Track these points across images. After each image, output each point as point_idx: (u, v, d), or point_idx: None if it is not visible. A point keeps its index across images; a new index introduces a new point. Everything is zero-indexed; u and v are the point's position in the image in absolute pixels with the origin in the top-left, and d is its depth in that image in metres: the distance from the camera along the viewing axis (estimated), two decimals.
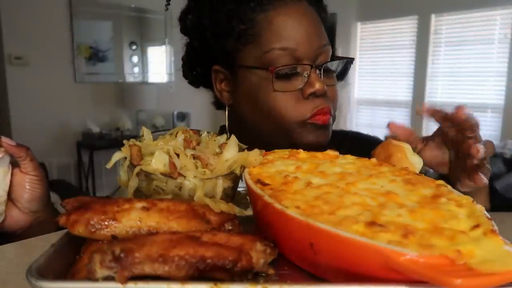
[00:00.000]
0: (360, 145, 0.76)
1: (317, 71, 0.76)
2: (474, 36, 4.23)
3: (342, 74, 0.84)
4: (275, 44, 0.75)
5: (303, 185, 0.46)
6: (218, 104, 0.90)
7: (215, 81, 0.85)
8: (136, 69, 4.80)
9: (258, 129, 0.81)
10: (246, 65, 0.78)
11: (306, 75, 0.76)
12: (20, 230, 0.67)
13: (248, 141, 0.60)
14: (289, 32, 0.75)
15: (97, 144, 4.17)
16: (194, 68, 0.89)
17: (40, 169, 0.69)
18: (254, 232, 0.48)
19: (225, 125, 0.88)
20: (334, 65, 0.83)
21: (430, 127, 4.64)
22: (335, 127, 0.94)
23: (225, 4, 0.78)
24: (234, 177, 0.54)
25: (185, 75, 0.91)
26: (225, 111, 0.86)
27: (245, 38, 0.77)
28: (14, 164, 0.66)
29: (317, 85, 0.75)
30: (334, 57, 0.81)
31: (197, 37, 0.84)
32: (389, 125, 0.71)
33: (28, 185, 0.66)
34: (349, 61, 0.84)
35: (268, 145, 0.64)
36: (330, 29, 0.86)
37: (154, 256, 0.34)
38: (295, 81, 0.76)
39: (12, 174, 0.65)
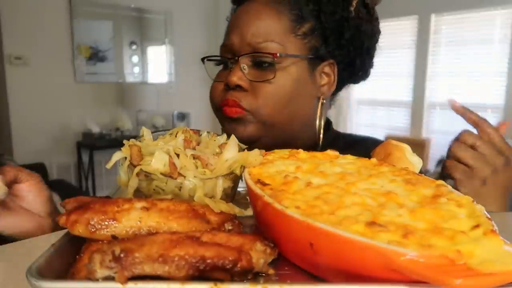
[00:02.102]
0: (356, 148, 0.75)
1: (242, 65, 0.79)
2: (474, 36, 4.23)
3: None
4: (223, 41, 0.85)
5: (303, 185, 0.46)
6: None
7: None
8: (136, 69, 4.81)
9: None
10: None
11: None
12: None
13: None
14: (230, 29, 0.84)
15: (97, 144, 4.17)
16: None
17: (31, 171, 0.69)
18: (254, 232, 0.48)
19: None
20: (285, 62, 0.79)
21: (430, 127, 4.64)
22: (334, 127, 0.93)
23: (234, 4, 0.90)
24: (234, 177, 0.54)
25: None
26: None
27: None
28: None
29: (229, 77, 0.79)
30: (257, 53, 0.79)
31: None
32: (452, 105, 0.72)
33: (34, 189, 0.66)
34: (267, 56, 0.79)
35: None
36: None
37: (154, 256, 0.34)
38: (226, 73, 0.83)
39: (14, 190, 0.65)
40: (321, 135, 0.86)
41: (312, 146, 0.85)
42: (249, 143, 0.64)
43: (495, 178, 0.69)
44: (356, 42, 0.85)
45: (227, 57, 0.83)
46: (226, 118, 0.81)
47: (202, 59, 0.88)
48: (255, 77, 0.79)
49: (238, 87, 0.79)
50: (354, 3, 0.84)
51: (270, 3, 0.81)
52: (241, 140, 0.60)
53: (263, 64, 0.80)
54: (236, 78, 0.78)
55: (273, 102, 0.79)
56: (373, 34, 0.88)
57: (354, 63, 0.87)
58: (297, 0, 0.82)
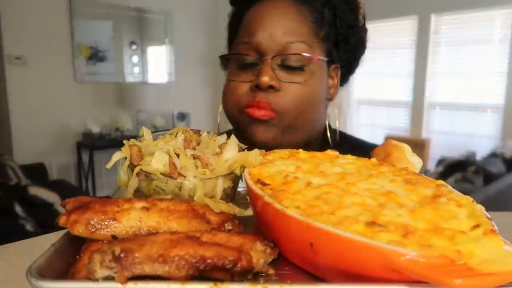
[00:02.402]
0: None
1: (272, 65, 0.77)
2: (474, 36, 4.23)
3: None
4: (243, 38, 0.80)
5: (303, 185, 0.46)
6: None
7: None
8: (136, 69, 4.80)
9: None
10: (220, 55, 0.86)
11: (258, 68, 0.78)
12: None
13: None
14: (254, 27, 0.79)
15: (97, 144, 4.17)
16: None
17: None
18: (254, 232, 0.48)
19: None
20: (312, 64, 0.79)
21: (430, 126, 4.64)
22: (334, 127, 0.93)
23: (237, 3, 0.88)
24: (234, 177, 0.54)
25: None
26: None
27: (235, 32, 0.85)
28: None
29: (261, 77, 0.75)
30: (293, 54, 0.78)
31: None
32: None
33: None
34: (314, 59, 0.79)
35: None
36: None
37: (154, 256, 0.34)
38: (250, 73, 0.79)
39: None
40: (330, 139, 0.88)
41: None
42: (272, 148, 0.63)
43: None
44: (357, 48, 0.89)
45: (253, 55, 0.79)
46: (253, 120, 0.77)
47: (222, 57, 0.84)
48: (284, 78, 0.77)
49: (270, 88, 0.76)
50: (361, 11, 0.87)
51: (293, 3, 0.80)
52: (265, 143, 0.59)
53: (293, 64, 0.78)
54: (268, 78, 0.75)
55: (301, 104, 0.78)
56: (365, 42, 0.93)
57: (351, 67, 0.91)
58: (316, 3, 0.82)
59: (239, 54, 0.80)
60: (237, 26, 0.84)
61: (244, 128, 0.80)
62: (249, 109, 0.77)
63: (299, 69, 0.78)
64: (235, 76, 0.81)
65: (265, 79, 0.75)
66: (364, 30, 0.90)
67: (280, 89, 0.76)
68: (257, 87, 0.76)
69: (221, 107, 0.88)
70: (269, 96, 0.76)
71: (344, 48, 0.86)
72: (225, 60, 0.87)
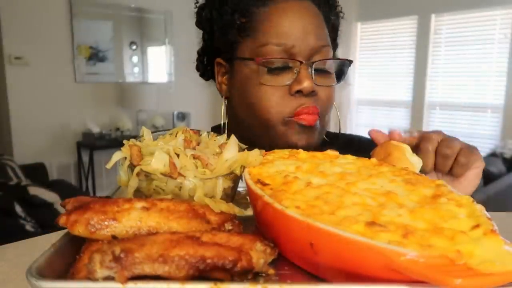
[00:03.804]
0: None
1: (309, 70, 0.75)
2: (474, 36, 4.23)
3: (340, 76, 0.83)
4: (271, 39, 0.76)
5: (303, 185, 0.46)
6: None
7: (217, 74, 0.87)
8: (136, 69, 4.80)
9: (245, 124, 0.82)
10: (242, 57, 0.79)
11: (296, 72, 0.75)
12: None
13: (238, 137, 0.59)
14: (285, 28, 0.75)
15: (97, 144, 4.17)
16: (204, 61, 0.93)
17: None
18: (254, 232, 0.48)
19: (216, 126, 0.90)
20: (333, 67, 0.82)
21: (430, 126, 4.64)
22: (335, 128, 0.94)
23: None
24: (234, 177, 0.54)
25: (197, 68, 0.95)
26: (223, 105, 0.88)
27: (244, 31, 0.79)
28: None
29: (305, 83, 0.74)
30: (332, 59, 0.81)
31: (207, 30, 0.87)
32: (370, 133, 0.70)
33: None
34: (346, 63, 0.82)
35: (251, 143, 0.63)
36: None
37: (154, 256, 0.34)
38: (285, 77, 0.76)
39: None
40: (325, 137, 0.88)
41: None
42: (316, 150, 0.63)
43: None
44: (335, 50, 0.89)
45: (291, 59, 0.75)
46: (301, 128, 0.76)
47: (257, 61, 0.75)
48: (319, 82, 0.77)
49: (312, 93, 0.75)
50: (341, 14, 0.89)
51: (314, 5, 0.80)
52: (307, 149, 0.59)
53: (326, 69, 0.79)
54: (311, 83, 0.74)
55: (331, 108, 0.80)
56: None
57: None
58: (326, 8, 0.83)
59: (277, 58, 0.75)
60: (248, 24, 0.78)
61: (285, 134, 0.77)
62: (300, 117, 0.75)
63: (328, 72, 0.80)
64: (265, 80, 0.76)
65: (310, 84, 0.74)
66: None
67: (317, 94, 0.77)
68: (298, 93, 0.75)
69: (223, 106, 0.86)
70: (313, 101, 0.76)
71: (334, 50, 0.87)
72: (228, 63, 0.83)
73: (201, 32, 0.90)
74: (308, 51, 0.76)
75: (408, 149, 0.62)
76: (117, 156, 0.53)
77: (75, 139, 4.35)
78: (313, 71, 0.75)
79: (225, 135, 0.62)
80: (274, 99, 0.75)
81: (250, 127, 0.81)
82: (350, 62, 0.82)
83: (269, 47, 0.75)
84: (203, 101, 4.65)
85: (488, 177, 3.14)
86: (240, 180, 0.55)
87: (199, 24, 0.90)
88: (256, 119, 0.78)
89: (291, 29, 0.75)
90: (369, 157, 0.59)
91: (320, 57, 0.77)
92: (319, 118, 0.77)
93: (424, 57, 4.60)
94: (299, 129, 0.76)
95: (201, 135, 0.62)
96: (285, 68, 0.76)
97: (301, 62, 0.75)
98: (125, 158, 0.52)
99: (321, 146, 0.80)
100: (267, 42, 0.76)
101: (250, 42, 0.78)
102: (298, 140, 0.76)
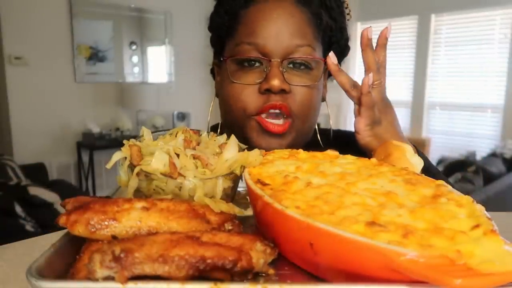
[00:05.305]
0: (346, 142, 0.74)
1: (280, 68, 0.75)
2: (474, 36, 4.24)
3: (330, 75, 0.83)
4: (244, 38, 0.77)
5: (303, 185, 0.46)
6: None
7: (216, 75, 0.91)
8: (136, 69, 4.80)
9: (227, 122, 0.84)
10: (223, 57, 0.82)
11: (266, 70, 0.75)
12: None
13: (228, 135, 0.60)
14: (259, 27, 0.76)
15: (97, 144, 4.17)
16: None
17: None
18: (254, 232, 0.48)
19: (215, 125, 0.91)
20: (316, 66, 0.79)
21: (430, 126, 4.64)
22: (335, 127, 0.93)
23: (225, 0, 0.82)
24: (234, 177, 0.54)
25: (211, 71, 0.95)
26: (212, 103, 0.89)
27: (228, 31, 0.81)
28: None
29: (273, 81, 0.73)
30: (305, 57, 0.78)
31: (212, 33, 0.89)
32: (362, 31, 0.70)
33: None
34: (320, 62, 0.79)
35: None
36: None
37: (154, 256, 0.34)
38: (255, 75, 0.76)
39: None
40: (320, 140, 0.87)
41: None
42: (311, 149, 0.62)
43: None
44: (344, 49, 0.88)
45: (261, 58, 0.76)
46: (265, 130, 0.75)
47: (225, 59, 0.79)
48: (293, 81, 0.76)
49: (281, 91, 0.74)
50: (348, 17, 0.87)
51: (296, 3, 0.79)
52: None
53: (300, 67, 0.77)
54: (279, 82, 0.73)
55: (309, 108, 0.78)
56: (348, 43, 0.92)
57: None
58: (315, 6, 0.81)
59: (249, 57, 0.76)
60: (232, 25, 0.80)
61: (251, 134, 0.77)
62: (265, 121, 0.75)
63: (306, 72, 0.78)
64: (237, 78, 0.77)
65: (278, 82, 0.73)
66: (347, 32, 0.89)
67: (290, 92, 0.75)
68: (266, 91, 0.74)
69: (212, 105, 0.88)
70: (283, 99, 0.75)
71: (335, 50, 0.84)
72: (219, 63, 0.85)
73: (201, 32, 0.94)
74: (282, 50, 0.75)
75: (408, 149, 0.62)
76: (117, 156, 0.53)
77: (75, 139, 4.35)
78: (283, 70, 0.75)
79: (225, 135, 0.62)
80: (242, 97, 0.76)
81: (229, 126, 0.83)
82: (324, 61, 0.79)
83: (242, 46, 0.77)
84: (203, 101, 4.65)
85: (488, 177, 3.14)
86: (240, 180, 0.55)
87: (209, 28, 0.91)
88: (228, 116, 0.81)
89: (263, 28, 0.76)
90: (358, 149, 0.59)
91: (297, 56, 0.76)
92: (292, 119, 0.76)
93: (424, 57, 4.60)
94: (264, 132, 0.76)
95: (201, 135, 0.62)
96: (257, 67, 0.77)
97: (269, 60, 0.75)
98: (125, 158, 0.52)
99: (316, 146, 0.80)
100: (240, 42, 0.77)
101: (230, 42, 0.81)
102: (263, 143, 0.76)
